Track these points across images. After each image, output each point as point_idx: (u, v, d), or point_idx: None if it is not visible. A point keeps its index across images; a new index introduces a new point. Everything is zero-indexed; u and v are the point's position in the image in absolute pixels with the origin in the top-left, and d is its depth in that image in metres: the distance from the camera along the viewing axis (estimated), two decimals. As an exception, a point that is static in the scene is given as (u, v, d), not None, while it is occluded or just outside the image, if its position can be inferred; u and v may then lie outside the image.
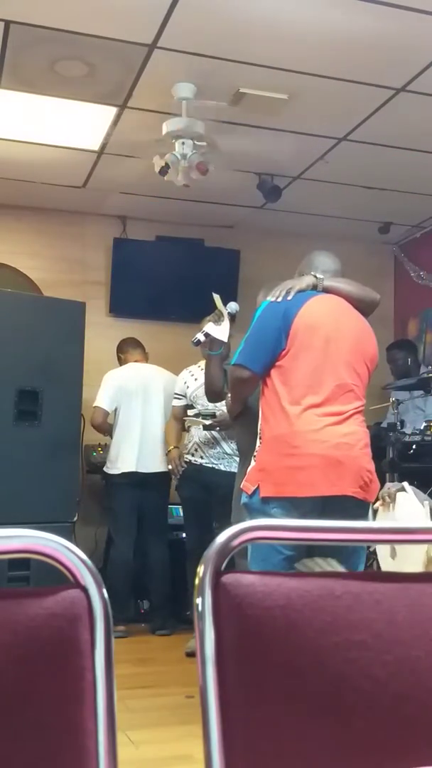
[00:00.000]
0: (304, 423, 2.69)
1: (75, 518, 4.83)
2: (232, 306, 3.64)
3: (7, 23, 3.55)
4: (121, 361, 5.32)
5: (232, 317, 3.63)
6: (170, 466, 4.84)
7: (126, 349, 5.33)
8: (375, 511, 2.78)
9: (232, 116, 4.34)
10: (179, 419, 4.84)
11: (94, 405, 5.00)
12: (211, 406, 4.26)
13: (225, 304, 3.59)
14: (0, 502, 4.39)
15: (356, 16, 3.40)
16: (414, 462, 4.45)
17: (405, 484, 2.71)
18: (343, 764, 0.88)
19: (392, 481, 3.86)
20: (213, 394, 3.80)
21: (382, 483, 3.12)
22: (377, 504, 2.79)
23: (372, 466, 2.79)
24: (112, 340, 5.48)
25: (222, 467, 4.51)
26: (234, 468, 4.15)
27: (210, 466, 4.57)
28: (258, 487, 2.68)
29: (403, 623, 0.90)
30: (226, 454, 4.53)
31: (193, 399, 4.68)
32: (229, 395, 3.27)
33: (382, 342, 6.13)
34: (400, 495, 2.66)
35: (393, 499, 2.68)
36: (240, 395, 3.05)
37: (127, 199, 5.70)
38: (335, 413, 2.74)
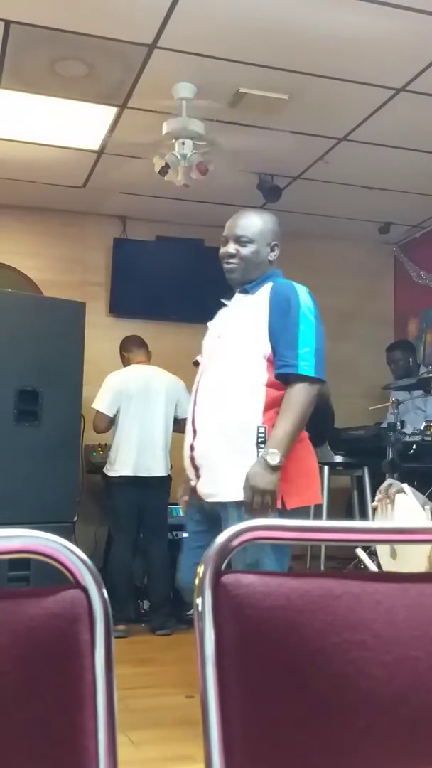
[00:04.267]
0: None
1: (75, 518, 4.83)
2: None
3: (7, 23, 3.55)
4: (125, 360, 5.29)
5: None
6: None
7: (130, 349, 5.30)
8: (374, 510, 2.77)
9: (232, 116, 4.35)
10: None
11: (93, 406, 4.99)
12: None
13: None
14: (0, 502, 4.39)
15: (356, 16, 3.40)
16: (414, 462, 4.46)
17: (405, 485, 2.71)
18: (343, 764, 0.88)
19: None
20: None
21: (382, 483, 3.11)
22: (374, 503, 2.78)
23: None
24: (112, 340, 5.48)
25: None
26: None
27: None
28: (283, 500, 2.53)
29: (403, 623, 0.90)
30: None
31: None
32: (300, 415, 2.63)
33: (382, 342, 6.19)
34: (399, 496, 2.66)
35: (392, 500, 2.67)
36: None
37: (127, 199, 5.70)
38: None
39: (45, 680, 0.82)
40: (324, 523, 0.94)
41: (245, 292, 2.73)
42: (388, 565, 2.57)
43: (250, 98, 4.12)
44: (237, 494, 2.51)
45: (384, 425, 4.89)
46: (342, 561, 5.37)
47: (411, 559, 2.41)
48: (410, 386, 5.04)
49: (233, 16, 3.43)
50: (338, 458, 5.31)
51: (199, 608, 0.86)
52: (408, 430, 4.68)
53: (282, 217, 6.00)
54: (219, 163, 4.35)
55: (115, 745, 0.83)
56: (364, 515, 5.21)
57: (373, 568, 2.60)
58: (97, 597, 0.85)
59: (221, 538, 0.88)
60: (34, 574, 4.19)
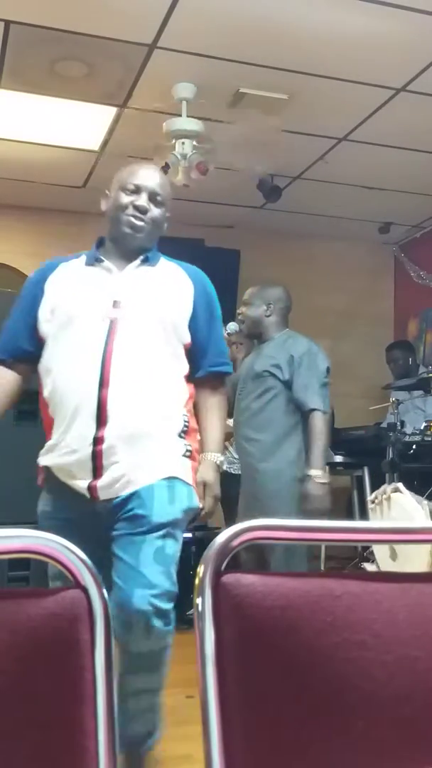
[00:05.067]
0: None
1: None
2: (231, 326, 3.67)
3: (7, 23, 3.55)
4: None
5: (230, 336, 3.65)
6: None
7: None
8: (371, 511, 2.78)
9: (232, 116, 4.35)
10: None
11: None
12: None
13: (225, 323, 3.64)
14: (0, 502, 4.39)
15: (356, 16, 3.40)
16: (414, 462, 4.46)
17: (400, 485, 2.71)
18: (343, 764, 0.88)
19: (392, 481, 3.87)
20: None
21: (382, 483, 3.12)
22: (371, 504, 2.79)
23: None
24: (112, 340, 5.48)
25: (232, 471, 4.56)
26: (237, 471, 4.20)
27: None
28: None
29: (403, 623, 0.90)
30: (234, 458, 4.58)
31: None
32: None
33: (382, 342, 6.19)
34: (395, 495, 2.66)
35: (388, 499, 2.68)
36: None
37: (127, 199, 5.70)
38: None
39: (45, 680, 0.82)
40: (324, 523, 0.94)
41: (146, 261, 2.28)
42: (387, 566, 2.57)
43: (250, 98, 4.12)
44: (166, 472, 2.12)
45: (384, 425, 4.88)
46: (342, 561, 5.37)
47: (411, 558, 2.41)
48: (410, 386, 5.05)
49: (233, 16, 3.42)
50: (338, 458, 5.31)
51: (199, 608, 0.86)
52: (408, 430, 4.68)
53: (282, 217, 6.05)
54: (219, 163, 4.35)
55: (115, 745, 0.83)
56: (364, 515, 5.21)
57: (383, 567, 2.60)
58: (97, 597, 0.85)
59: (221, 538, 0.88)
60: (34, 574, 4.19)
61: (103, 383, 2.07)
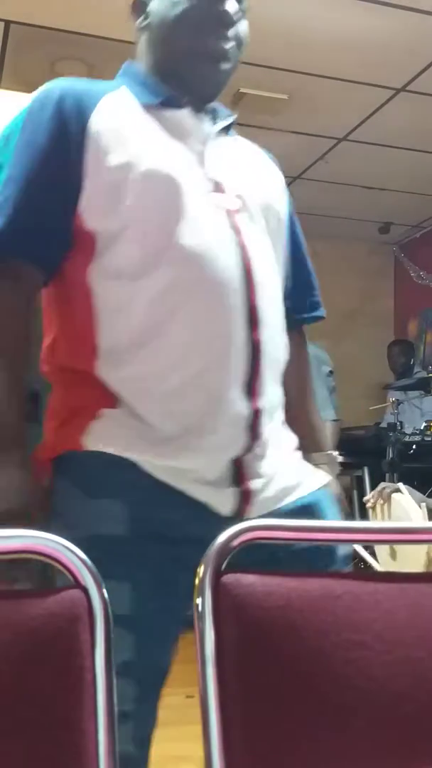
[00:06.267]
0: None
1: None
2: None
3: (7, 23, 3.55)
4: None
5: None
6: None
7: None
8: (371, 509, 2.77)
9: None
10: None
11: None
12: None
13: None
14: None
15: (356, 16, 3.40)
16: (414, 462, 4.46)
17: (400, 485, 2.70)
18: (343, 764, 0.88)
19: (392, 481, 3.87)
20: None
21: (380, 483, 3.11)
22: (369, 504, 2.78)
23: None
24: (112, 340, 5.47)
25: None
26: None
27: None
28: None
29: (403, 623, 0.90)
30: None
31: None
32: None
33: (382, 342, 6.19)
34: (395, 495, 2.66)
35: (387, 500, 2.67)
36: None
37: (127, 199, 5.70)
38: None
39: (45, 680, 0.82)
40: (324, 523, 0.94)
41: (227, 129, 1.39)
42: (388, 565, 2.57)
43: (250, 98, 4.12)
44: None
45: (384, 425, 4.89)
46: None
47: (410, 558, 2.41)
48: (409, 386, 5.06)
49: (233, 16, 3.43)
50: (338, 458, 5.31)
51: (199, 608, 0.86)
52: (408, 430, 4.68)
53: (282, 217, 6.04)
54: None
55: (116, 746, 0.83)
56: (364, 515, 5.22)
57: (376, 565, 2.60)
58: (97, 597, 0.84)
59: (221, 538, 0.88)
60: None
61: (253, 320, 1.17)
